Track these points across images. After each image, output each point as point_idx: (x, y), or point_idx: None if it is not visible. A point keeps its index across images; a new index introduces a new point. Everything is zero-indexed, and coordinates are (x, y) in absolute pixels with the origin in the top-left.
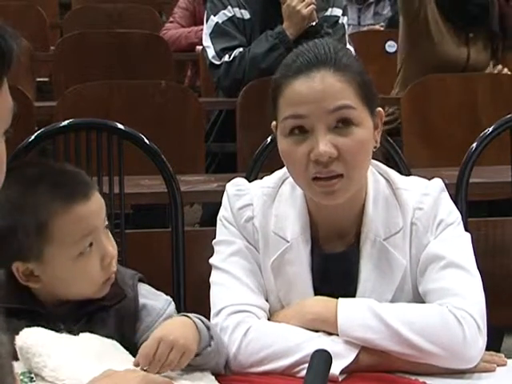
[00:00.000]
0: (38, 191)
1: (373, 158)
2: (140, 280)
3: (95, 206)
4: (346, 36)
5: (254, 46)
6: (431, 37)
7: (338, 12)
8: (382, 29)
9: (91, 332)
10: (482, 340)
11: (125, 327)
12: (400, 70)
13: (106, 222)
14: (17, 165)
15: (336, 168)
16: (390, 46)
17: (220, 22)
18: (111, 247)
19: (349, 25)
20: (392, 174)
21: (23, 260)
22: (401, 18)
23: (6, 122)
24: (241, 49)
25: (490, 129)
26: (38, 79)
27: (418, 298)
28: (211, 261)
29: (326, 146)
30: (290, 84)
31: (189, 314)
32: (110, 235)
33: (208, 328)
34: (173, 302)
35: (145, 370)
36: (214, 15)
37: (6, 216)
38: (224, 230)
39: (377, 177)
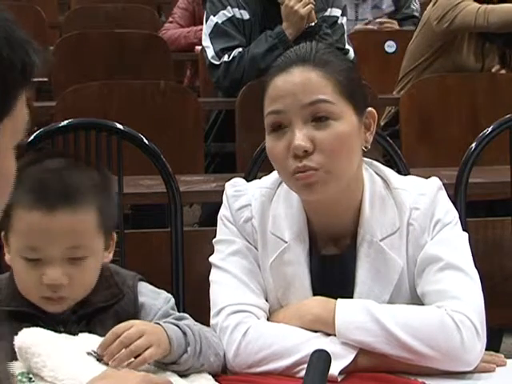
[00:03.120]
0: (30, 178)
1: (371, 158)
2: (141, 280)
3: (55, 225)
4: (346, 36)
5: (253, 46)
6: (454, 47)
7: (337, 12)
8: (390, 22)
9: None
10: (480, 344)
11: None
12: (408, 72)
13: (79, 255)
14: (54, 152)
15: (312, 163)
16: (390, 46)
17: (219, 22)
18: (58, 274)
19: (348, 20)
20: (389, 173)
21: (4, 232)
22: (430, 26)
23: (21, 135)
24: (240, 49)
25: (490, 129)
26: (37, 79)
27: (416, 299)
28: (211, 259)
29: (302, 140)
30: (271, 82)
31: (161, 323)
32: (83, 266)
33: (185, 334)
34: (172, 299)
35: (101, 359)
36: (214, 15)
37: None
38: (224, 229)
39: (373, 177)
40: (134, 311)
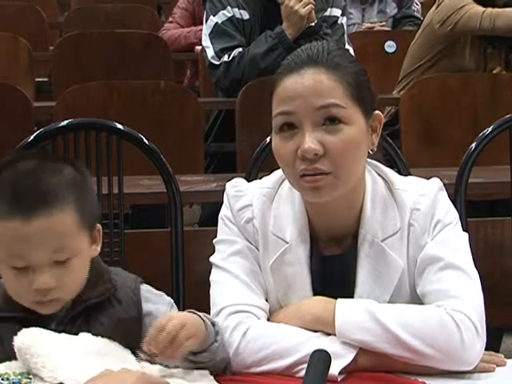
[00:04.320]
0: (4, 186)
1: (373, 159)
2: (141, 283)
3: (35, 231)
4: (345, 36)
5: (253, 46)
6: (455, 50)
7: (337, 12)
8: (383, 25)
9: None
10: (479, 343)
11: (126, 332)
12: (409, 73)
13: (64, 257)
14: (26, 154)
15: (322, 166)
16: (390, 46)
17: (219, 22)
18: (47, 279)
19: (353, 24)
20: (391, 174)
21: None
22: (432, 29)
23: None
24: (240, 49)
25: (489, 129)
26: (38, 79)
27: (416, 299)
28: (212, 259)
29: (312, 143)
30: (281, 82)
31: (195, 311)
32: (70, 267)
33: (213, 324)
34: (174, 305)
35: (149, 357)
36: (214, 15)
37: None
38: (225, 229)
39: (375, 178)
40: (138, 315)
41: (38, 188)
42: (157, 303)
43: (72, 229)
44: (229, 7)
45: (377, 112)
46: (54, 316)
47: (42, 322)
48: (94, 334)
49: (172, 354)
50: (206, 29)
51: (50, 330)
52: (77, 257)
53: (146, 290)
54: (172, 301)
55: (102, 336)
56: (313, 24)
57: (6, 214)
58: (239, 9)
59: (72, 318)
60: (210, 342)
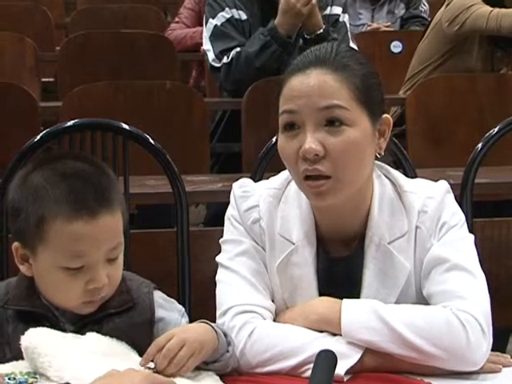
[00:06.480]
0: (58, 187)
1: (381, 161)
2: (155, 289)
3: (99, 230)
4: (349, 34)
5: (247, 46)
6: (464, 50)
7: (337, 10)
8: (388, 25)
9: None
10: (486, 343)
11: (137, 334)
12: (417, 72)
13: (116, 255)
14: (63, 154)
15: (322, 168)
16: (395, 47)
17: (219, 24)
18: (104, 276)
19: (363, 24)
20: (399, 176)
21: (23, 243)
22: (441, 28)
23: None
24: (238, 49)
25: (496, 129)
26: (44, 79)
27: (422, 302)
28: (218, 259)
29: (313, 144)
30: (288, 81)
31: (208, 321)
32: (117, 264)
33: (225, 334)
34: (185, 314)
35: (151, 369)
36: (213, 18)
37: (22, 193)
38: (232, 229)
39: (383, 180)
40: (150, 318)
41: (98, 187)
42: (169, 310)
43: (122, 227)
44: (227, 8)
45: (385, 116)
46: (67, 318)
47: (55, 321)
48: (103, 333)
49: (173, 373)
50: (206, 32)
51: (62, 328)
52: (121, 254)
53: (159, 296)
54: (183, 309)
55: (112, 335)
56: (321, 30)
57: (68, 214)
58: (237, 9)
59: (84, 324)
60: (222, 352)
